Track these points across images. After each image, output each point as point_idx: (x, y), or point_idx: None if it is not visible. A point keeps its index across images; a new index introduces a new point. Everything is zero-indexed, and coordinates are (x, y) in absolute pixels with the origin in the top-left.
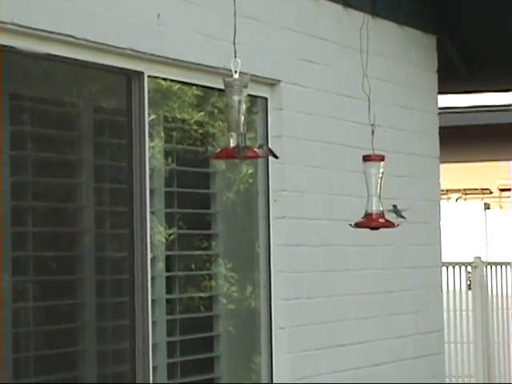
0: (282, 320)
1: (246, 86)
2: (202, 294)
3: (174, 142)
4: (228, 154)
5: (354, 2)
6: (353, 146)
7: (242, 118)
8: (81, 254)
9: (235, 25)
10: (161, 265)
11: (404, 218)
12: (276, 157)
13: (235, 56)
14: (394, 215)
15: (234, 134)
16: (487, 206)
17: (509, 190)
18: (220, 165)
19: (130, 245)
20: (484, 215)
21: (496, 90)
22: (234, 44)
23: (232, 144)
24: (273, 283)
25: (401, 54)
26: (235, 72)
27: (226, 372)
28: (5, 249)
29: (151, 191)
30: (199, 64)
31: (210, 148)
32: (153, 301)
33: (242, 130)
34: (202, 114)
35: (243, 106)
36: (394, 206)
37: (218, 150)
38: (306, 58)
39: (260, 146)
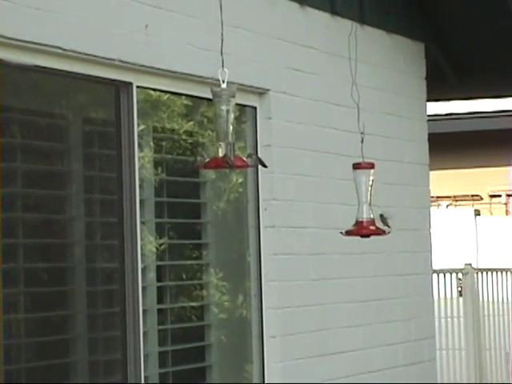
0: (273, 329)
1: (233, 96)
2: (193, 304)
3: (164, 152)
4: (217, 164)
5: (341, 10)
6: (342, 155)
7: (231, 128)
8: (71, 265)
9: (222, 34)
10: (152, 275)
11: (389, 227)
12: (265, 166)
13: (223, 66)
14: (382, 223)
15: (222, 144)
16: (477, 213)
17: (499, 196)
18: (210, 174)
19: (120, 255)
20: (474, 221)
21: (484, 96)
22: (222, 54)
23: (221, 154)
24: (264, 292)
25: (389, 62)
26: (223, 82)
27: (218, 381)
28: None
29: (141, 201)
30: (188, 74)
31: (199, 158)
32: (144, 311)
33: (230, 139)
34: (191, 123)
35: (231, 116)
36: (381, 215)
37: (207, 159)
38: (295, 66)
39: (249, 156)
